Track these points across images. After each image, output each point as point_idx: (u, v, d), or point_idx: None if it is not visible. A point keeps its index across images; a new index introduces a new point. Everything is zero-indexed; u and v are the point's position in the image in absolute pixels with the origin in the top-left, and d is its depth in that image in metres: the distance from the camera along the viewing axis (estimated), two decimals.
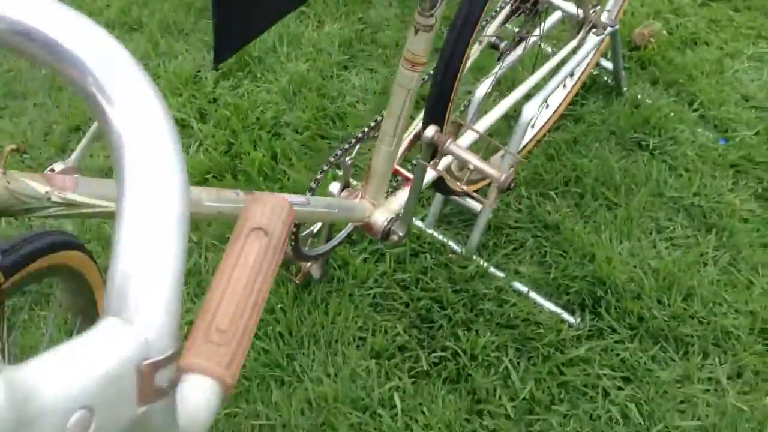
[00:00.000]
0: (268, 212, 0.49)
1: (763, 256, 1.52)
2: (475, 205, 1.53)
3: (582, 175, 1.63)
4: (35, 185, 0.60)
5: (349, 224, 1.29)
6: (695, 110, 1.80)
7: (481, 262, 1.49)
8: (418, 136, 1.27)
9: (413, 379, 1.32)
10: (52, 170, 0.67)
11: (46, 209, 0.61)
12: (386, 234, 1.19)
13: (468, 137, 1.21)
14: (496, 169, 0.99)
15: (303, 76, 1.86)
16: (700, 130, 1.76)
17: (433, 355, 1.35)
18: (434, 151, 1.03)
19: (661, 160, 1.69)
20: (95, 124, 0.75)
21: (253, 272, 0.42)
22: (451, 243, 1.52)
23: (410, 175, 1.24)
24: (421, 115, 1.28)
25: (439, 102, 1.12)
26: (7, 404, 0.27)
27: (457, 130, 1.11)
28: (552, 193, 1.61)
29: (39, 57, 0.35)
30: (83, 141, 0.76)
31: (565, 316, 1.42)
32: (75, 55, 0.34)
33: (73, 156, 0.72)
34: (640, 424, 1.28)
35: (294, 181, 1.60)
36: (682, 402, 1.31)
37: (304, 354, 1.34)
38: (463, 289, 1.44)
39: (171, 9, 2.08)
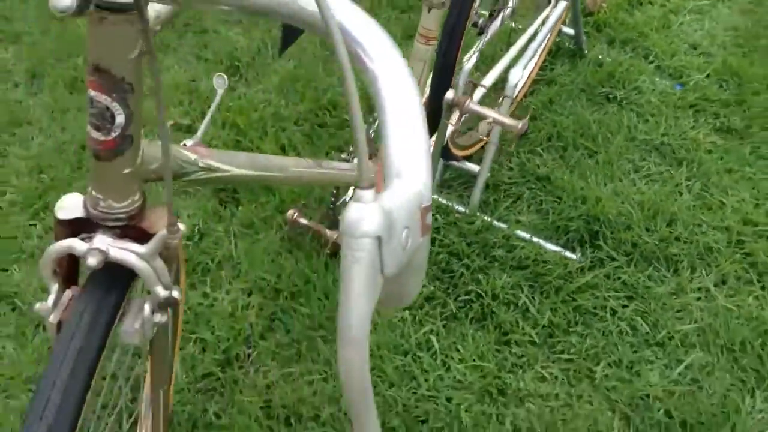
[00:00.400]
0: None
1: (730, 180, 1.72)
2: (473, 168, 1.70)
3: (562, 131, 1.81)
4: (188, 153, 0.74)
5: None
6: (651, 62, 2.00)
7: (485, 218, 1.66)
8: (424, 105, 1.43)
9: (444, 322, 1.48)
10: (185, 145, 0.80)
11: (195, 173, 0.75)
12: None
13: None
14: (512, 121, 1.15)
15: (293, 73, 2.00)
16: (658, 79, 1.96)
17: (458, 299, 1.51)
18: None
19: (629, 109, 1.88)
20: (213, 106, 0.89)
21: None
22: (455, 204, 1.68)
23: None
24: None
25: (444, 71, 1.28)
26: (383, 216, 0.42)
27: (472, 91, 1.27)
28: (538, 149, 1.78)
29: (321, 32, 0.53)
30: (206, 120, 0.90)
31: (567, 253, 1.59)
32: (347, 29, 0.51)
33: (199, 133, 0.86)
34: (647, 333, 1.46)
35: None
36: (679, 311, 1.50)
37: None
38: (474, 241, 1.60)
39: None
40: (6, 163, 1.84)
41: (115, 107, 0.61)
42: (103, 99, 0.61)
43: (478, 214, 1.66)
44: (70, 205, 0.69)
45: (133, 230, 0.69)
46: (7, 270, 1.61)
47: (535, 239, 1.61)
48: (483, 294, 1.51)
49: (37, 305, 0.70)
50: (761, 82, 1.95)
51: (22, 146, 1.90)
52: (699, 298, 1.52)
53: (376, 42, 0.52)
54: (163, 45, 2.15)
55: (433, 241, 1.60)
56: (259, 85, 1.99)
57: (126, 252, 0.66)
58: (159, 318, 0.70)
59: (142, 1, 0.53)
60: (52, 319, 0.68)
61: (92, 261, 0.65)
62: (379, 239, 0.43)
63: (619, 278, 1.54)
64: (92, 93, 0.61)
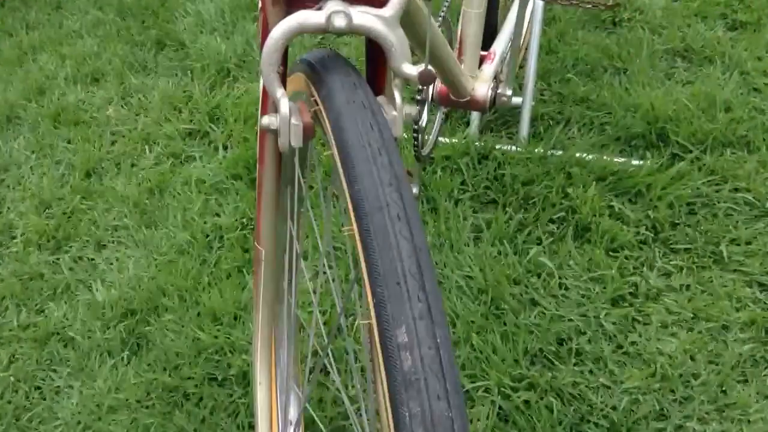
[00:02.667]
0: None
1: (763, 64, 1.70)
2: (516, 101, 1.61)
3: (583, 56, 1.77)
4: None
5: (440, 114, 1.34)
6: None
7: (539, 148, 1.56)
8: None
9: (549, 242, 1.37)
10: None
11: None
12: (493, 102, 1.25)
13: None
14: None
15: None
16: None
17: (552, 221, 1.41)
18: None
19: (640, 27, 1.86)
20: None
21: None
22: (504, 146, 1.58)
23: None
24: None
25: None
26: None
27: None
28: (567, 76, 1.72)
29: None
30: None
31: (634, 161, 1.51)
32: None
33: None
34: (752, 207, 1.39)
35: None
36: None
37: (443, 255, 1.36)
38: (543, 165, 1.51)
39: (125, 53, 2.06)
40: (3, 208, 1.64)
41: None
42: None
43: (529, 146, 1.57)
44: None
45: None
46: (43, 311, 1.40)
47: (596, 156, 1.53)
48: (576, 209, 1.41)
49: (266, 119, 0.56)
50: None
51: (18, 189, 1.70)
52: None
53: None
54: (140, 68, 2.01)
55: (501, 176, 1.50)
56: (253, 83, 1.87)
57: (368, 15, 0.53)
58: (408, 110, 0.56)
59: None
60: (295, 122, 0.53)
61: (340, 22, 0.52)
62: None
63: (702, 166, 1.47)
64: None
